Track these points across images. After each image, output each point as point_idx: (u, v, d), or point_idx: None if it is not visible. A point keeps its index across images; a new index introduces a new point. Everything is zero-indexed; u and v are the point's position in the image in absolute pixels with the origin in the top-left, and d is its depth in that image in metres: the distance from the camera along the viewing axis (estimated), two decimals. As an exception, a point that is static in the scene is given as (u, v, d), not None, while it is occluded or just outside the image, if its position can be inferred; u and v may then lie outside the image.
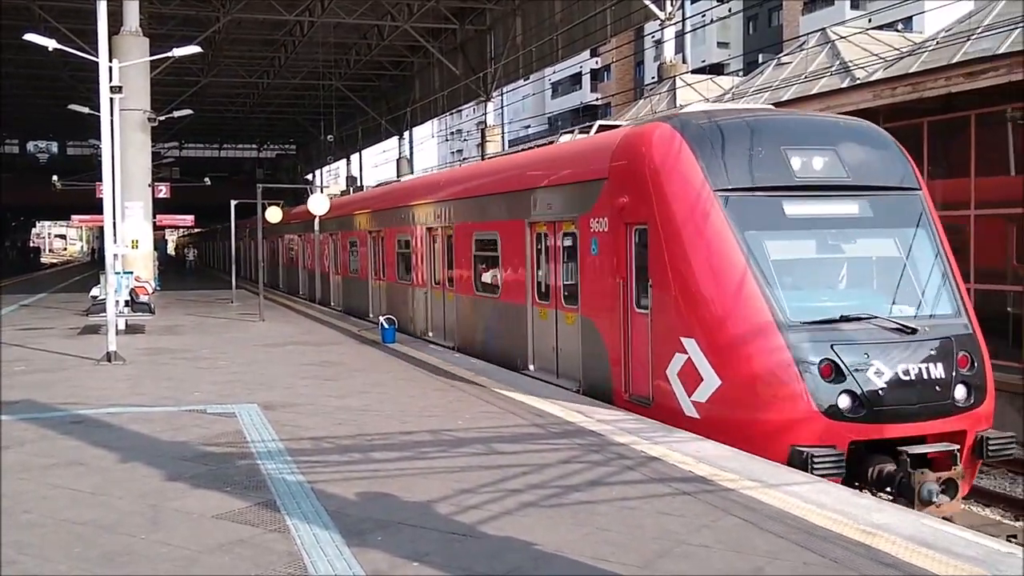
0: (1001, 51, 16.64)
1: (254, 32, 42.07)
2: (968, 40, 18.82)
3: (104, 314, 17.13)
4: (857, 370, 9.10)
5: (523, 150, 16.70)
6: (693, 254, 9.94)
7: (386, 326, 18.36)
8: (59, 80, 45.93)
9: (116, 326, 16.62)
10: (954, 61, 17.76)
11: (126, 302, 20.56)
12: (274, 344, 18.49)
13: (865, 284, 10.40)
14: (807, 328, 9.35)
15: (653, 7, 27.07)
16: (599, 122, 14.41)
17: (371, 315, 23.58)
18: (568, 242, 12.71)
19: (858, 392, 9.05)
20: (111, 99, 18.08)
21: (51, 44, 19.35)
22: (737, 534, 6.33)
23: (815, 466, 8.49)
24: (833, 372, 9.10)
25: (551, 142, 15.14)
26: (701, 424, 9.52)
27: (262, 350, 17.52)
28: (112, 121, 17.93)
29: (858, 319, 9.53)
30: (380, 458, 8.72)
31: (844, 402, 9.01)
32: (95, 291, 22.08)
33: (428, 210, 18.76)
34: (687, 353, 9.80)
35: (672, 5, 27.16)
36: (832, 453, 8.71)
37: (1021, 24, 17.44)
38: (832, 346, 9.20)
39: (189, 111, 32.58)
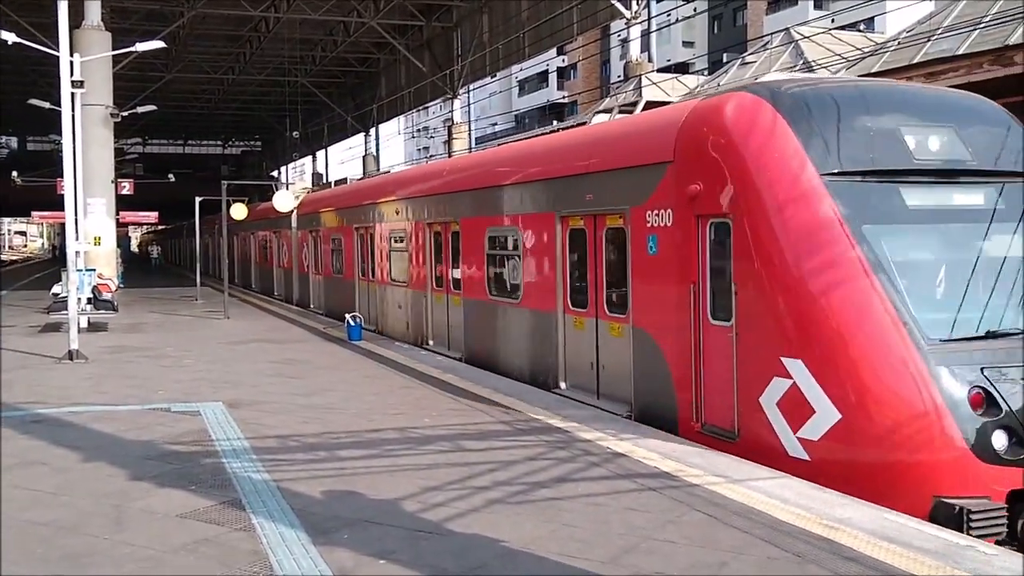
0: (961, 52, 16.90)
1: (219, 27, 41.70)
2: (929, 41, 19.07)
3: (66, 312, 16.92)
4: (1014, 399, 7.37)
5: (544, 134, 14.11)
6: (794, 254, 8.07)
7: (352, 324, 18.30)
8: (19, 74, 45.23)
9: (78, 324, 16.43)
10: (915, 61, 18.01)
11: (88, 299, 20.34)
12: (239, 342, 18.36)
13: (1002, 291, 8.22)
14: (949, 347, 7.59)
15: (619, 6, 27.15)
16: (647, 98, 12.46)
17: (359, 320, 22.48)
18: (614, 239, 10.79)
19: (1017, 427, 7.31)
20: (72, 94, 17.85)
21: (11, 38, 19.04)
22: (702, 529, 6.39)
23: (973, 524, 6.84)
24: (985, 402, 7.35)
25: (583, 123, 13.11)
26: (813, 467, 7.76)
27: (227, 348, 17.39)
28: (73, 116, 17.71)
29: (1007, 335, 7.80)
30: (346, 456, 8.70)
31: (1000, 440, 7.26)
32: (56, 288, 21.81)
33: (428, 204, 16.81)
34: (791, 378, 7.95)
35: (638, 4, 27.26)
36: (993, 507, 6.99)
37: (981, 26, 17.71)
38: (983, 370, 7.46)
39: (153, 107, 32.20)
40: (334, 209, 24.14)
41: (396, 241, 18.75)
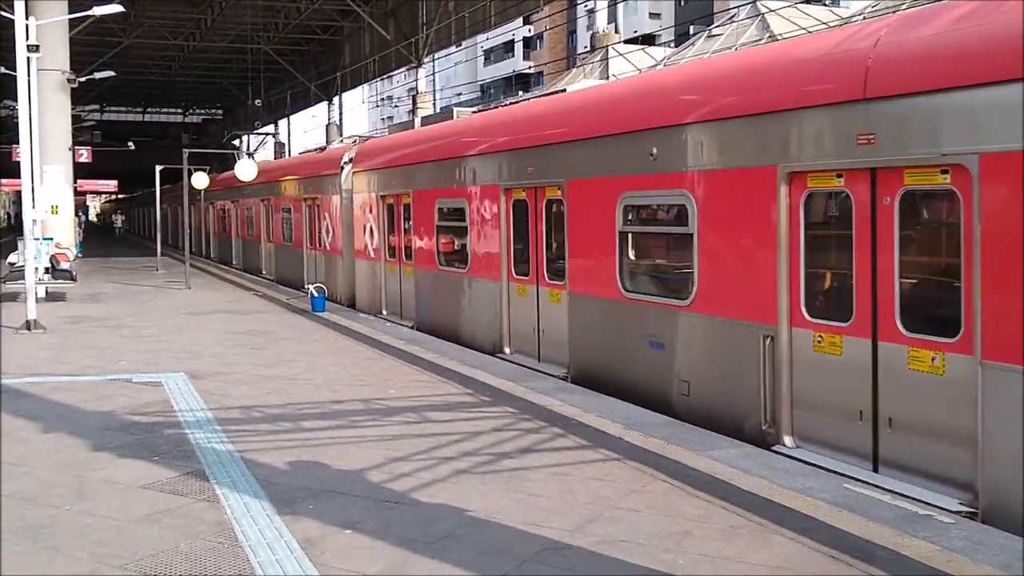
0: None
1: (179, -9, 40.93)
2: (893, 15, 19.18)
3: (23, 281, 16.66)
4: None
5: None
6: None
7: (315, 294, 18.20)
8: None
9: (36, 294, 16.21)
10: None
11: (46, 269, 20.05)
12: (201, 312, 18.21)
13: None
14: None
15: (586, -24, 27.01)
16: None
17: (507, 348, 13.02)
18: None
19: None
20: (28, 58, 17.45)
21: (-37, 0, 18.58)
22: (666, 499, 6.45)
23: None
24: None
25: None
26: None
27: (189, 318, 17.24)
28: (29, 82, 17.33)
29: None
30: (311, 427, 8.67)
31: None
32: (13, 257, 21.47)
33: (654, 144, 9.61)
34: None
35: (605, -26, 27.13)
36: None
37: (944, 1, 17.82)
38: None
39: (111, 73, 31.62)
40: (446, 159, 14.82)
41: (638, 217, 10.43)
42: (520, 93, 57.45)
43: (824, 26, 22.43)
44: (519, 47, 79.56)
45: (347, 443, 8.04)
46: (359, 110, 76.90)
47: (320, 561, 5.33)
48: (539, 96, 14.00)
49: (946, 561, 5.23)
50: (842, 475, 7.06)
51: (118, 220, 71.23)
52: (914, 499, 6.42)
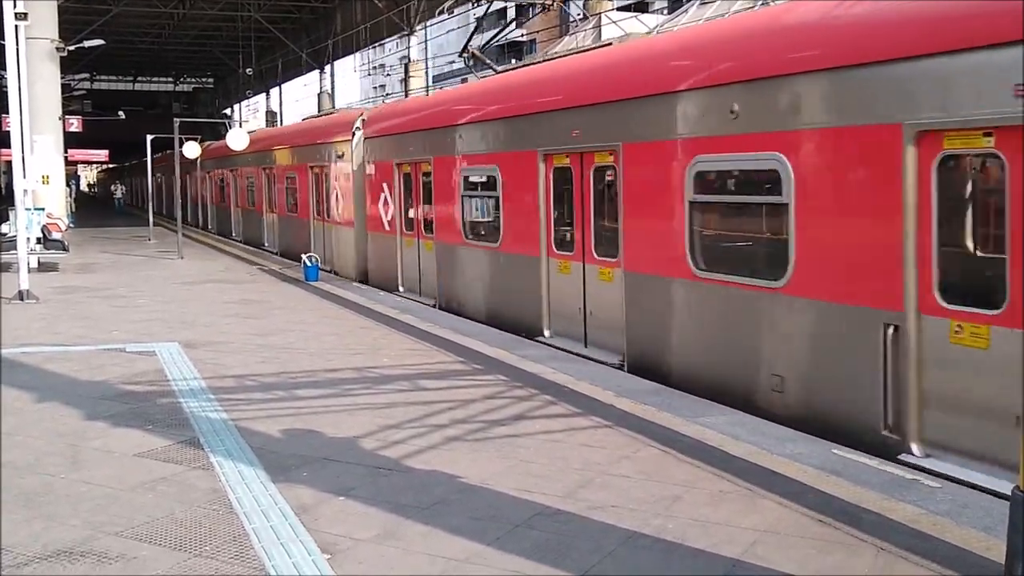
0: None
1: (168, -41, 40.48)
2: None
3: (15, 252, 16.64)
4: None
5: None
6: None
7: (308, 264, 18.20)
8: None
9: (28, 264, 16.18)
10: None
11: (38, 239, 20.02)
12: (194, 282, 18.20)
13: None
14: None
15: (579, -58, 26.79)
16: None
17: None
18: None
19: None
20: (16, 26, 17.30)
21: (-51, -33, 18.33)
22: (656, 465, 6.51)
23: None
24: None
25: None
26: None
27: (182, 288, 17.24)
28: (18, 50, 17.19)
29: None
30: (304, 395, 8.72)
31: None
32: (4, 228, 21.44)
33: None
34: None
35: (598, -60, 26.91)
36: None
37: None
38: None
39: (100, 41, 31.33)
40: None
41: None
42: (513, 61, 56.92)
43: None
44: (512, 15, 78.95)
45: (340, 411, 8.09)
46: (351, 79, 76.47)
47: (314, 527, 5.38)
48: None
49: (931, 525, 5.30)
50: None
51: (118, 191, 68.98)
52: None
